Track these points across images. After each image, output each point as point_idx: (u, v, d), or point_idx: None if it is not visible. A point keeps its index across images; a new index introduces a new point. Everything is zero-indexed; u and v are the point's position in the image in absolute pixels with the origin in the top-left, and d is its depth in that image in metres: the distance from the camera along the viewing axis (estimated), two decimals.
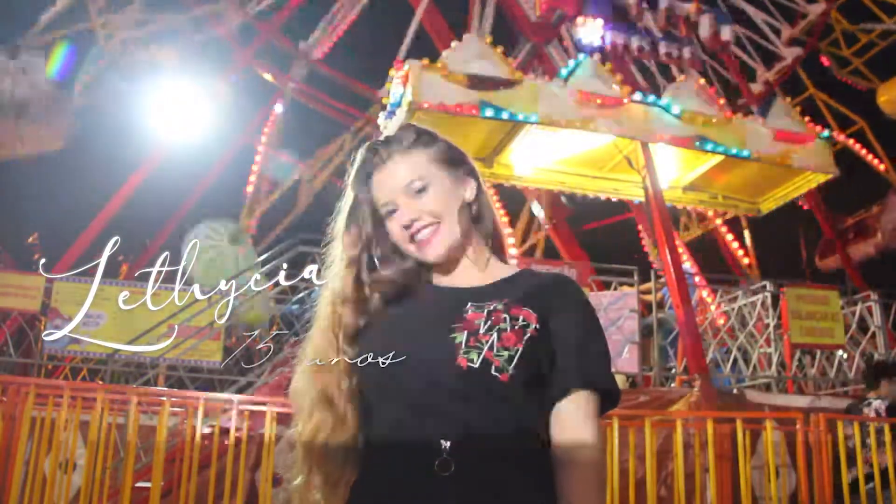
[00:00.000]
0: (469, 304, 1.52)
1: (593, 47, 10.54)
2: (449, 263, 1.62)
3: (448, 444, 1.39)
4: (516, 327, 1.46)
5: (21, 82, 11.52)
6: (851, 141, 15.01)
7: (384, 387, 1.48)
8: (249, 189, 15.15)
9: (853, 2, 15.77)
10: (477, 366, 1.42)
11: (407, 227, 1.57)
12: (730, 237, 13.98)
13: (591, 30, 10.58)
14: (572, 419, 1.47)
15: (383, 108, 9.49)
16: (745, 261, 13.67)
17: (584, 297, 1.60)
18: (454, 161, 1.66)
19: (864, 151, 15.00)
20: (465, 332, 1.46)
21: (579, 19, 10.80)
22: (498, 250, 1.68)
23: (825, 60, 16.15)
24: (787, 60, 15.38)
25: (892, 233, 13.25)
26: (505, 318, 1.47)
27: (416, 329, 1.52)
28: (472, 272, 1.62)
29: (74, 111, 12.37)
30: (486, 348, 1.43)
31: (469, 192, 1.65)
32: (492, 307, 1.50)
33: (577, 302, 1.57)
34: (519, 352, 1.44)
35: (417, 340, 1.48)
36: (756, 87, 15.13)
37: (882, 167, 14.91)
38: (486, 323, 1.47)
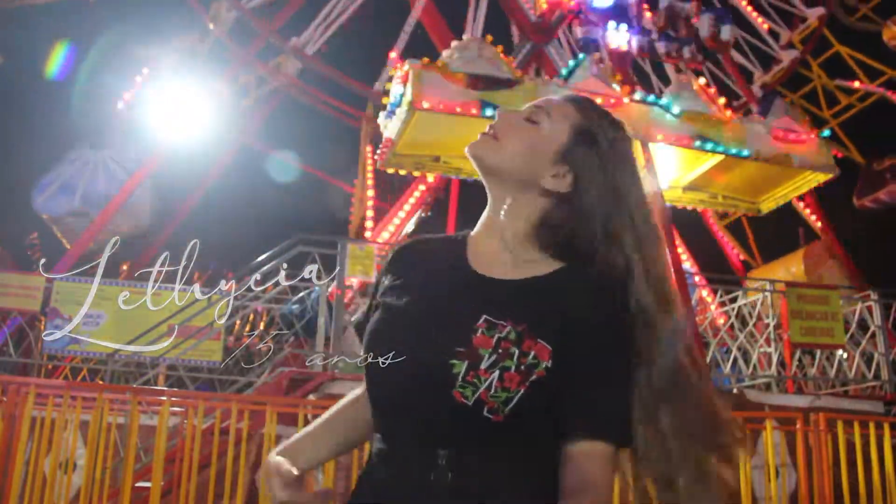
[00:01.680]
0: (483, 317, 1.35)
1: (593, 40, 10.54)
2: (485, 231, 1.49)
3: (444, 452, 1.33)
4: (523, 367, 1.31)
5: (112, 176, 11.84)
6: (882, 89, 15.15)
7: (377, 385, 1.43)
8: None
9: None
10: (470, 404, 1.30)
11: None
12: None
13: (618, 35, 10.59)
14: (582, 471, 1.32)
15: (380, 106, 9.49)
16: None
17: (621, 315, 1.38)
18: (581, 133, 1.49)
19: None
20: (467, 362, 1.31)
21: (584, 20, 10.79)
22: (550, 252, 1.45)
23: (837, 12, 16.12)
24: (810, 20, 15.35)
25: (851, 272, 13.26)
26: (513, 354, 1.31)
27: (421, 330, 1.39)
28: (506, 258, 1.45)
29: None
30: (482, 387, 1.30)
31: (558, 180, 1.45)
32: (503, 334, 1.33)
33: (609, 324, 1.36)
34: (519, 395, 1.30)
35: (420, 347, 1.37)
36: (787, 53, 15.15)
37: None
38: (490, 356, 1.31)
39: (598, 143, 1.48)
